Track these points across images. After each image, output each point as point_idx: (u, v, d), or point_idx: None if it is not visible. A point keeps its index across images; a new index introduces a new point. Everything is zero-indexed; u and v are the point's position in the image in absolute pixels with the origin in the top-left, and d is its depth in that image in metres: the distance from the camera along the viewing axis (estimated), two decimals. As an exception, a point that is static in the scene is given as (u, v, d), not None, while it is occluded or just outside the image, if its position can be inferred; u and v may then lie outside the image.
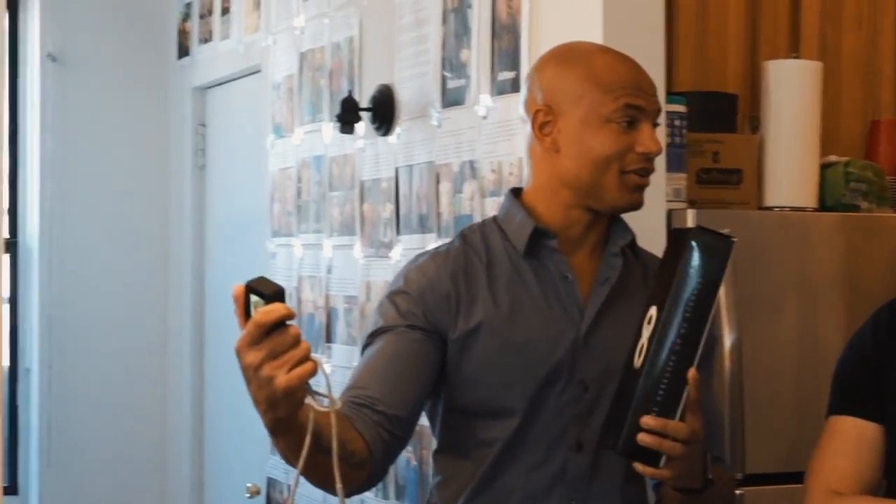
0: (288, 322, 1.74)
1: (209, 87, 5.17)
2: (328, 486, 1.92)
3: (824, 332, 3.04)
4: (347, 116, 3.71)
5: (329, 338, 4.03)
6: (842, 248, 3.08)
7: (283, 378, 1.76)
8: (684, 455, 2.01)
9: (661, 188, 2.94)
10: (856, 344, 2.19)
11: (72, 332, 5.32)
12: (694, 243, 1.98)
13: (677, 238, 2.06)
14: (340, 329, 3.96)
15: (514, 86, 3.12)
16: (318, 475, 1.93)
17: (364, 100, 3.77)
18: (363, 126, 3.77)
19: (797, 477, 2.89)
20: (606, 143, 2.16)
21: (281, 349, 1.75)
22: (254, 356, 1.76)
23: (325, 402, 1.80)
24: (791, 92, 3.13)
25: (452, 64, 3.39)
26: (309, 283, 4.17)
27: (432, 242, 3.44)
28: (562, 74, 2.21)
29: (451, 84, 3.40)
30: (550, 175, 2.23)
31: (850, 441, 2.16)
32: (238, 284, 1.77)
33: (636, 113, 2.16)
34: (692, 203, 3.03)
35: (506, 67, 3.17)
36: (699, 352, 1.99)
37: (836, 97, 3.34)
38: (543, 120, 2.21)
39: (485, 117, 3.25)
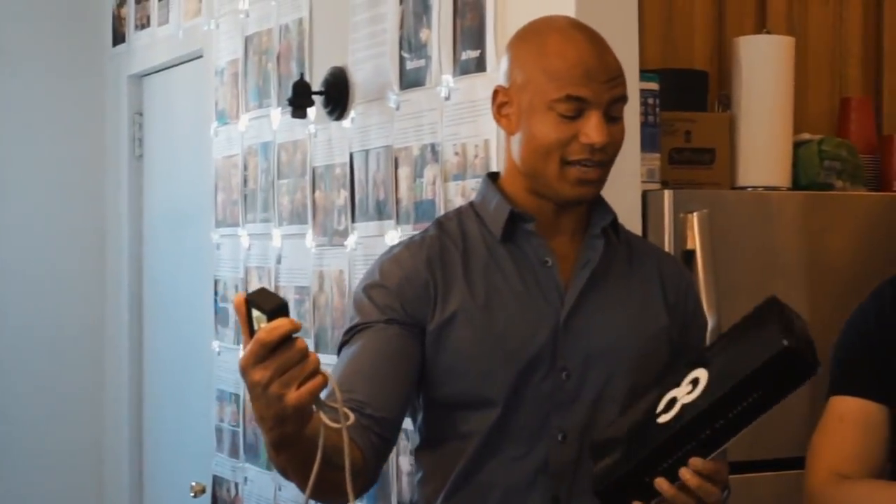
0: (294, 336, 1.67)
1: (147, 75, 5.03)
2: (331, 499, 1.83)
3: (800, 311, 2.96)
4: (299, 101, 3.59)
5: (279, 330, 3.90)
6: (817, 228, 3.02)
7: (293, 395, 1.68)
8: None
9: (635, 169, 2.86)
10: (857, 323, 2.12)
11: (5, 326, 5.17)
12: (779, 360, 1.81)
13: (766, 321, 1.90)
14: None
15: (480, 65, 3.03)
16: (322, 489, 1.82)
17: (315, 83, 3.65)
18: (314, 111, 3.65)
19: (780, 464, 2.85)
20: (547, 131, 2.06)
21: (288, 365, 1.67)
22: (261, 374, 1.68)
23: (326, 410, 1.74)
24: (763, 68, 3.05)
25: (411, 44, 3.28)
26: (257, 273, 4.05)
27: (391, 230, 3.34)
28: (517, 55, 2.13)
29: (410, 65, 3.29)
30: (510, 159, 2.15)
31: (854, 422, 2.09)
32: (239, 294, 1.69)
33: (580, 104, 2.05)
34: (665, 184, 2.95)
35: (469, 46, 3.07)
36: (722, 448, 1.89)
37: (804, 74, 3.27)
38: (501, 101, 2.13)
39: (447, 98, 3.14)
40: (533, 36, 2.12)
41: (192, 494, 4.45)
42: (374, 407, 2.00)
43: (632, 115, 2.88)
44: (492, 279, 2.11)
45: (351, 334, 2.10)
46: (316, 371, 1.69)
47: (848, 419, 2.10)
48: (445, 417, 2.12)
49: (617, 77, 2.09)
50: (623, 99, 2.09)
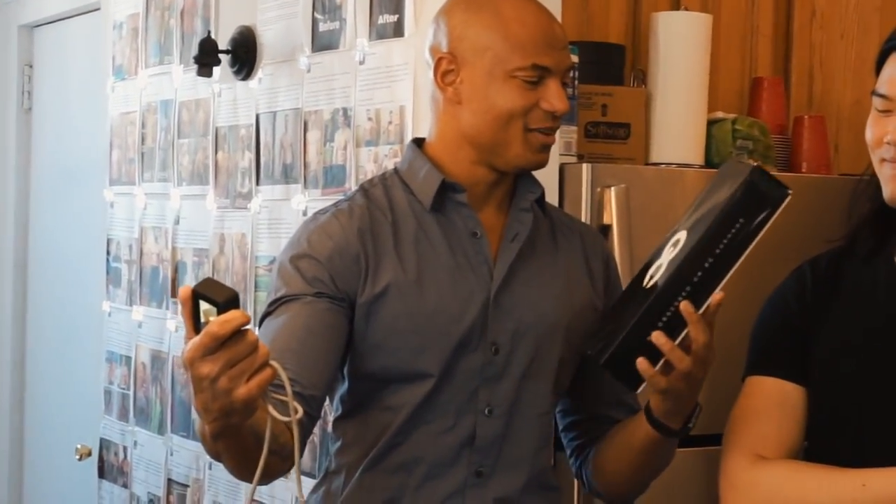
0: (246, 321, 1.62)
1: (38, 26, 4.90)
2: (262, 481, 1.80)
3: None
4: (205, 59, 3.51)
5: (175, 292, 3.83)
6: (728, 207, 3.02)
7: (243, 390, 1.64)
8: (679, 389, 1.93)
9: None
10: (778, 303, 2.12)
11: None
12: (749, 182, 1.85)
13: (731, 171, 1.93)
14: (189, 283, 3.77)
15: (397, 30, 2.98)
16: (251, 471, 1.78)
17: (222, 42, 3.58)
18: (219, 70, 3.57)
19: (682, 441, 2.86)
20: (510, 99, 2.04)
21: (238, 358, 1.63)
22: (209, 368, 1.62)
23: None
24: (680, 45, 3.06)
25: (325, 5, 3.22)
26: (153, 234, 3.97)
27: (297, 194, 3.29)
28: (468, 21, 2.08)
29: (324, 27, 3.23)
30: (453, 128, 2.10)
31: (771, 402, 2.09)
32: (186, 287, 1.63)
33: (543, 72, 2.04)
34: (580, 157, 2.94)
35: (387, 10, 3.02)
36: (712, 294, 1.89)
37: (717, 53, 3.28)
38: (446, 69, 2.09)
39: (362, 62, 3.09)
40: (483, 2, 2.08)
41: (78, 457, 4.36)
42: (302, 385, 1.95)
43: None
44: (422, 251, 2.08)
45: (276, 305, 2.05)
46: (266, 363, 1.65)
47: (766, 399, 2.10)
48: (373, 390, 2.09)
49: (567, 45, 2.09)
50: (573, 66, 2.10)
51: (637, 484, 2.18)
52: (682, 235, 1.91)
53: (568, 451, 2.25)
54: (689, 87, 3.06)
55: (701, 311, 1.87)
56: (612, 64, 3.07)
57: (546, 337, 2.10)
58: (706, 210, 1.90)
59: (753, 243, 1.86)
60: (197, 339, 1.61)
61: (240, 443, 1.77)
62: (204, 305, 1.62)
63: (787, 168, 3.28)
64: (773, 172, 3.12)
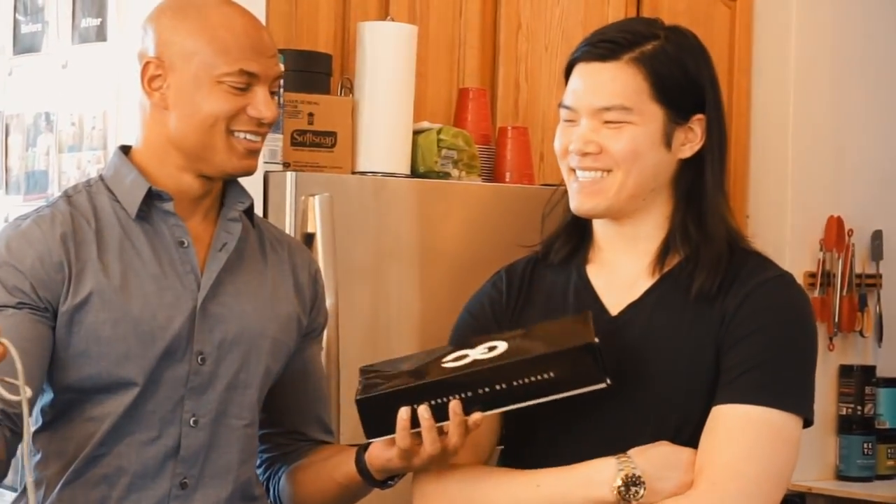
0: None
1: None
2: None
3: (419, 297, 3.03)
4: None
5: None
6: (433, 215, 3.08)
7: None
8: (413, 464, 1.95)
9: (258, 149, 2.84)
10: (474, 308, 2.15)
11: None
12: (579, 350, 1.82)
13: (578, 325, 1.89)
14: None
15: (100, 34, 2.94)
16: None
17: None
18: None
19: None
20: (216, 104, 2.02)
21: None
22: None
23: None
24: (386, 55, 3.09)
25: (27, 7, 3.15)
26: None
27: (-2, 199, 3.21)
28: (175, 26, 2.06)
29: (26, 29, 3.16)
30: (159, 134, 2.08)
31: None
32: None
33: (250, 78, 2.04)
34: (286, 165, 2.94)
35: (90, 14, 2.97)
36: (491, 413, 1.89)
37: (425, 63, 3.33)
38: (153, 73, 2.06)
39: (65, 66, 3.04)
40: (192, 8, 2.06)
41: None
42: (7, 403, 1.90)
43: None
44: (127, 259, 2.04)
45: None
46: None
47: None
48: (76, 400, 2.04)
49: (276, 54, 2.08)
50: (282, 75, 2.10)
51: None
52: (502, 346, 1.92)
53: (257, 462, 2.25)
54: (395, 97, 3.10)
55: (466, 418, 1.89)
56: (319, 72, 3.09)
57: (253, 348, 2.09)
58: (533, 341, 1.91)
59: (546, 399, 1.88)
60: None
61: None
62: None
63: (492, 178, 3.35)
64: (478, 183, 3.23)
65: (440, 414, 1.87)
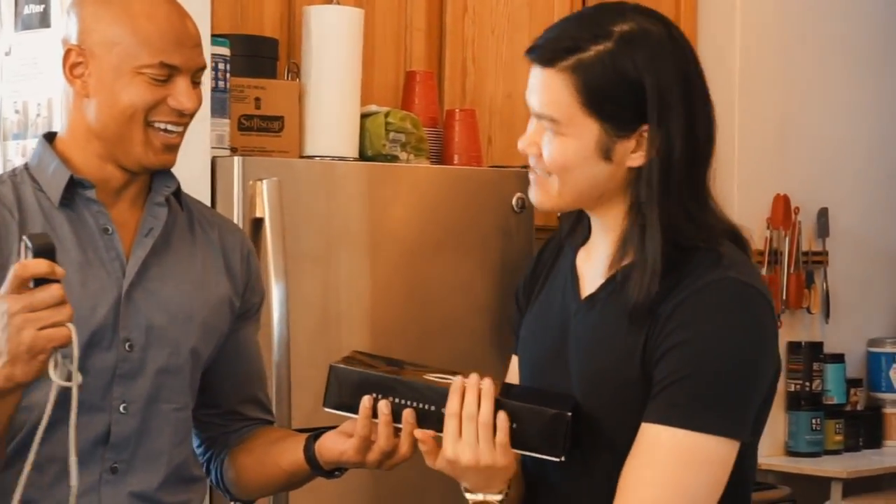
0: (56, 281, 1.74)
1: None
2: None
3: (370, 281, 3.03)
4: None
5: None
6: (381, 198, 3.08)
7: (30, 333, 1.73)
8: (368, 461, 1.97)
9: (205, 135, 2.83)
10: (519, 285, 2.12)
11: None
12: (561, 417, 1.80)
13: (556, 392, 1.88)
14: None
15: (43, 20, 2.91)
16: None
17: None
18: None
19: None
20: (135, 95, 2.01)
21: (38, 306, 1.73)
22: (9, 304, 1.74)
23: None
24: (332, 39, 3.09)
25: (-31, -6, 3.12)
26: None
27: (-58, 188, 3.17)
28: (98, 14, 2.04)
29: (-33, 16, 3.13)
30: (81, 122, 2.06)
31: (509, 377, 2.09)
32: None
33: (171, 70, 2.03)
34: (234, 150, 2.94)
35: (33, 0, 2.95)
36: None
37: (371, 47, 3.33)
38: (75, 61, 2.04)
39: (7, 53, 3.01)
40: None
41: None
42: None
43: (202, 80, 2.85)
44: None
45: None
46: (63, 322, 1.74)
47: (512, 377, 2.10)
48: None
49: (200, 45, 2.07)
50: (205, 67, 2.08)
51: (269, 493, 2.22)
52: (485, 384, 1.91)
53: (196, 442, 2.25)
54: (342, 81, 3.10)
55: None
56: (265, 57, 3.08)
57: (182, 332, 2.08)
58: (514, 390, 1.90)
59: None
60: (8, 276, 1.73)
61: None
62: (26, 245, 1.75)
63: (440, 160, 3.36)
64: (426, 165, 3.23)
65: (399, 416, 1.87)
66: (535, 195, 1.90)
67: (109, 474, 2.05)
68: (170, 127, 2.03)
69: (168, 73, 2.01)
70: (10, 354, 1.75)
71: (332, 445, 2.01)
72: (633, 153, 1.80)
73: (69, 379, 1.81)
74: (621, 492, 1.77)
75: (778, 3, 4.58)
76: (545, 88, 1.80)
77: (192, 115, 2.05)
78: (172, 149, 2.05)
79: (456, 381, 1.81)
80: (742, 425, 1.77)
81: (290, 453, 2.10)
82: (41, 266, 1.73)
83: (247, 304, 2.20)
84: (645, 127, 1.79)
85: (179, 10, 2.05)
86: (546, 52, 1.80)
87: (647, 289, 1.78)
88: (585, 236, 1.94)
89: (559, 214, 1.99)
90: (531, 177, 1.89)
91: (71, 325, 1.76)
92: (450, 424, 1.79)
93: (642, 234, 1.81)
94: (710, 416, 1.74)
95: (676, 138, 1.79)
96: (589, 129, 1.79)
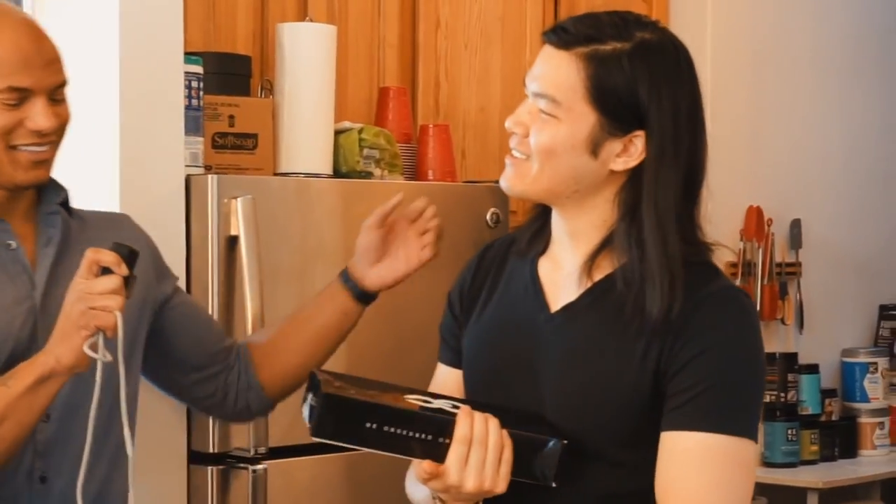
0: (119, 274, 1.91)
1: None
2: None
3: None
4: None
5: None
6: (356, 215, 3.06)
7: (80, 307, 1.89)
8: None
9: (179, 153, 2.83)
10: (452, 295, 2.12)
11: None
12: (563, 446, 1.80)
13: (544, 424, 1.87)
14: None
15: None
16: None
17: None
18: None
19: (319, 448, 2.90)
20: None
21: (97, 289, 1.89)
22: (77, 279, 1.91)
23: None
24: (305, 56, 3.09)
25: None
26: None
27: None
28: None
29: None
30: None
31: (435, 385, 2.09)
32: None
33: (23, 93, 2.03)
34: (208, 168, 2.93)
35: None
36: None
37: (345, 63, 3.33)
38: None
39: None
40: None
41: None
42: None
43: (175, 98, 2.85)
44: None
45: None
46: (113, 308, 1.88)
47: (434, 387, 2.10)
48: None
49: (56, 61, 2.06)
50: (65, 84, 2.08)
51: (314, 364, 2.31)
52: (444, 405, 1.87)
53: (218, 405, 2.33)
54: (316, 98, 3.10)
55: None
56: (238, 74, 3.08)
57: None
58: (508, 414, 1.86)
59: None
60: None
61: (40, 406, 1.95)
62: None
63: (414, 176, 3.36)
64: (400, 181, 3.23)
65: (393, 443, 1.80)
66: (507, 178, 1.90)
67: (39, 483, 2.06)
68: (33, 147, 2.04)
69: (19, 96, 2.02)
70: (58, 329, 1.91)
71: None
72: (618, 156, 1.85)
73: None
74: (668, 502, 1.79)
75: (748, 16, 4.60)
76: (555, 69, 1.84)
77: (57, 133, 2.06)
78: (42, 164, 2.08)
79: (464, 408, 1.80)
80: (757, 428, 1.86)
81: (327, 307, 2.39)
82: (109, 256, 1.90)
83: (163, 294, 2.24)
84: (639, 132, 1.84)
85: (31, 30, 2.06)
86: (566, 34, 1.84)
87: (666, 302, 1.81)
88: (545, 246, 1.95)
89: (515, 227, 1.99)
90: (507, 160, 1.91)
91: (118, 314, 1.90)
92: (459, 450, 1.77)
93: (641, 248, 1.85)
94: (742, 420, 1.81)
95: (668, 150, 1.87)
96: (585, 119, 1.83)
